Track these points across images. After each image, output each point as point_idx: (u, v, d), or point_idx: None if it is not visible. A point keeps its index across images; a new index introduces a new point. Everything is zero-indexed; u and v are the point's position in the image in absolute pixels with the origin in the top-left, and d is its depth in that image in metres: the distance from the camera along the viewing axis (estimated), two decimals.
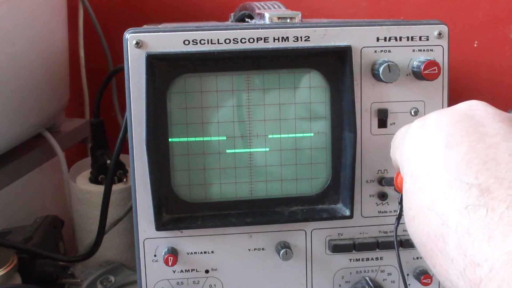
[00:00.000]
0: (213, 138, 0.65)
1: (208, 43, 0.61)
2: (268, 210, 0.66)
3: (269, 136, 0.65)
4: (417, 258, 0.69)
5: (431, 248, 0.36)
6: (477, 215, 0.33)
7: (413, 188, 0.39)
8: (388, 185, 0.65)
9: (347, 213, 0.65)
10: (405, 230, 0.64)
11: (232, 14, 0.82)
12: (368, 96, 0.64)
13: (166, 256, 0.64)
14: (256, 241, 0.67)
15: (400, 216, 0.58)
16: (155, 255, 0.66)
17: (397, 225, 0.58)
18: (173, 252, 0.65)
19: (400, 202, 0.58)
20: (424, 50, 0.64)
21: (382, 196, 0.67)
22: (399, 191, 0.55)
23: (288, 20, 0.65)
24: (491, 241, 0.32)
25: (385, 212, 0.67)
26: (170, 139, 0.64)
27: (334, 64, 0.64)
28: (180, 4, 1.10)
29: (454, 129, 0.39)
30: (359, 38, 0.63)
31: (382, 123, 0.65)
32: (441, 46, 0.64)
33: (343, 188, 0.66)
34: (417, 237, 0.38)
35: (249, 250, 0.67)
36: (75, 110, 1.16)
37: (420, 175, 0.38)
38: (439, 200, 0.35)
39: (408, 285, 0.70)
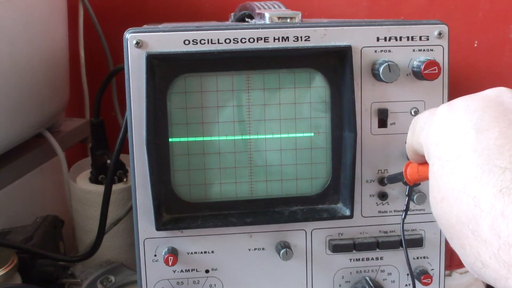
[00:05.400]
0: (213, 138, 0.65)
1: (208, 43, 0.61)
2: (268, 210, 0.66)
3: (269, 136, 0.65)
4: (417, 258, 0.69)
5: (460, 230, 0.37)
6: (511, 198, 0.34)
7: (443, 171, 0.39)
8: (390, 182, 0.65)
9: (347, 213, 0.65)
10: (405, 230, 0.65)
11: (232, 14, 0.82)
12: (368, 96, 0.64)
13: (166, 256, 0.64)
14: (256, 241, 0.67)
15: (407, 208, 0.59)
16: (155, 255, 0.66)
17: (404, 217, 0.58)
18: (173, 252, 0.65)
19: (408, 194, 0.58)
20: (424, 50, 0.64)
21: (382, 196, 0.67)
22: (408, 182, 0.56)
23: (288, 20, 0.65)
24: None
25: (385, 212, 0.67)
26: (170, 139, 0.64)
27: (334, 64, 0.64)
28: (180, 4, 1.10)
29: (483, 114, 0.39)
30: (359, 38, 0.63)
31: (382, 123, 0.65)
32: (441, 46, 0.64)
33: (343, 188, 0.66)
34: (445, 219, 0.39)
35: (249, 250, 0.67)
36: (75, 110, 1.16)
37: (450, 159, 0.39)
38: (471, 183, 0.36)
39: (408, 285, 0.70)
